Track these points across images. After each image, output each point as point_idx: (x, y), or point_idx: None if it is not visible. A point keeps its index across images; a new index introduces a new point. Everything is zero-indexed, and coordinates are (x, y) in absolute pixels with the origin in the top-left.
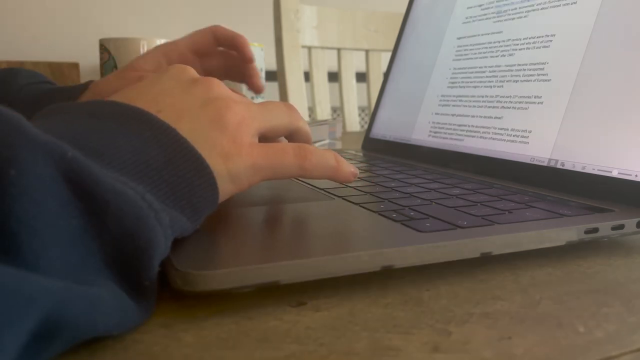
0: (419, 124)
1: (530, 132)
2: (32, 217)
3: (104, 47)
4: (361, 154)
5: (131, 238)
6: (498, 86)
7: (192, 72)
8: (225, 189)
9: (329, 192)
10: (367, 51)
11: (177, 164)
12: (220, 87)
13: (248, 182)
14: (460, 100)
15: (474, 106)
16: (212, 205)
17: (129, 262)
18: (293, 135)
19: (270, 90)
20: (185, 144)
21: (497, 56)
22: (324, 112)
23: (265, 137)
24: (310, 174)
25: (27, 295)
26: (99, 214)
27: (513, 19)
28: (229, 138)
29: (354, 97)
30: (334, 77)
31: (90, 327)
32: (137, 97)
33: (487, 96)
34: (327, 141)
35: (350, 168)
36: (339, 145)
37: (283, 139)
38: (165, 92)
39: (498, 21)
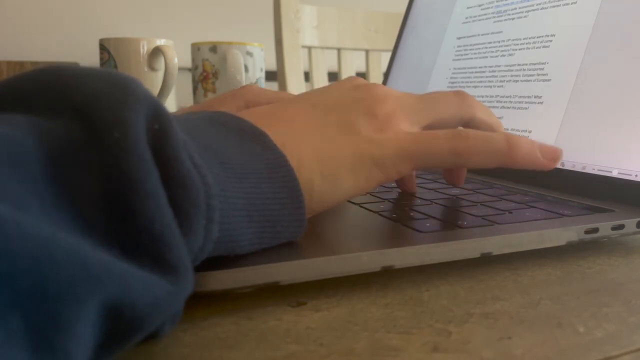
0: None
1: (530, 132)
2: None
3: (104, 47)
4: None
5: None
6: (498, 86)
7: (359, 81)
8: (373, 176)
9: None
10: (367, 51)
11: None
12: (378, 87)
13: (396, 170)
14: None
15: None
16: (289, 238)
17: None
18: (469, 127)
19: None
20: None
21: (497, 56)
22: None
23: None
24: (468, 160)
25: (94, 275)
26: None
27: (513, 19)
28: (376, 126)
29: None
30: (334, 77)
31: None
32: (299, 96)
33: (487, 96)
34: None
35: (539, 151)
36: None
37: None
38: (325, 94)
39: (498, 21)
